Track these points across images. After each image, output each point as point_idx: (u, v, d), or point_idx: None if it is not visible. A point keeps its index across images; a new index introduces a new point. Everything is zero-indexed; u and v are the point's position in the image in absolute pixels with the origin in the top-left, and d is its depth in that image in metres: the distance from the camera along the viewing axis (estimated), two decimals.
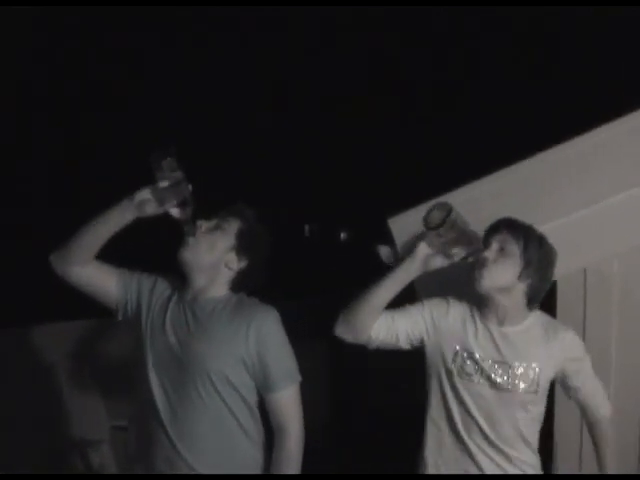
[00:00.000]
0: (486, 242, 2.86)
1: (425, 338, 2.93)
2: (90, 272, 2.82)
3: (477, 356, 2.87)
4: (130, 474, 2.89)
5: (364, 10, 4.74)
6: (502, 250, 2.84)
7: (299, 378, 2.83)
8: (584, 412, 3.03)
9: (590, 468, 3.19)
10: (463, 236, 2.79)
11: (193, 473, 2.75)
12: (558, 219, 3.21)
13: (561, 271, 3.23)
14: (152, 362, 2.77)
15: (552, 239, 3.15)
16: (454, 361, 2.89)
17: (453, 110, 4.60)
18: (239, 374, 2.76)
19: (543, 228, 3.18)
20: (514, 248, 2.84)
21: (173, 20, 5.06)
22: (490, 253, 2.83)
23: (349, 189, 4.59)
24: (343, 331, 2.91)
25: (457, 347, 2.90)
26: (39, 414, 4.11)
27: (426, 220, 2.77)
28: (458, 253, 2.82)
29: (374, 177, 4.58)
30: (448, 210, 2.74)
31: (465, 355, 2.87)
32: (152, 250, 3.33)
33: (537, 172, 3.30)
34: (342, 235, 3.28)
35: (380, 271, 2.95)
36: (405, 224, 3.27)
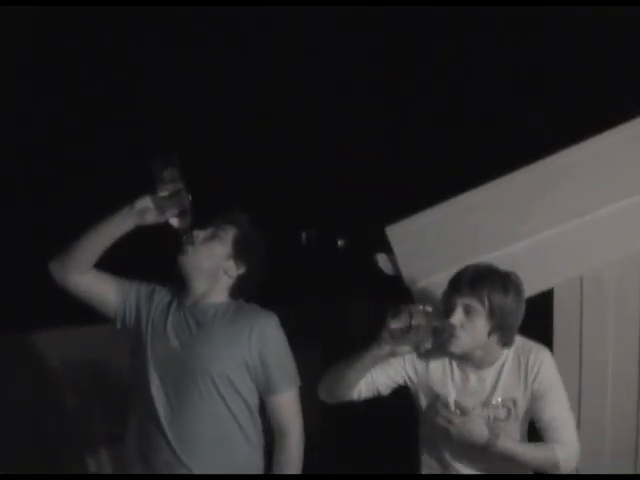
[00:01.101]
0: (449, 304, 2.77)
1: (410, 385, 2.95)
2: (89, 280, 2.82)
3: (459, 402, 2.85)
4: (130, 474, 2.91)
5: (365, 19, 4.74)
6: (467, 313, 2.75)
7: (299, 382, 2.86)
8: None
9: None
10: (426, 330, 2.69)
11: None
12: (555, 228, 3.23)
13: (558, 279, 3.27)
14: (153, 367, 2.78)
15: (549, 248, 3.19)
16: (437, 405, 2.87)
17: (449, 121, 4.61)
18: (241, 377, 2.78)
19: (539, 237, 3.21)
20: (479, 308, 2.74)
21: (175, 25, 5.06)
22: (456, 319, 2.74)
23: (347, 197, 4.59)
24: (325, 398, 2.97)
25: (439, 394, 2.88)
26: (36, 419, 4.13)
27: (389, 330, 2.67)
28: (423, 343, 2.77)
29: (372, 185, 4.58)
30: (409, 316, 2.63)
31: (447, 401, 2.86)
32: (149, 258, 3.34)
33: (533, 181, 3.30)
34: (339, 242, 3.29)
35: (377, 279, 2.97)
36: (402, 232, 3.29)
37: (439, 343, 2.78)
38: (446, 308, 2.77)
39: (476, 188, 3.33)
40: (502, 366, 2.84)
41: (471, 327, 2.74)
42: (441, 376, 2.89)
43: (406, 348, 2.78)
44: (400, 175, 4.51)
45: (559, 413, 2.81)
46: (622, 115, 3.28)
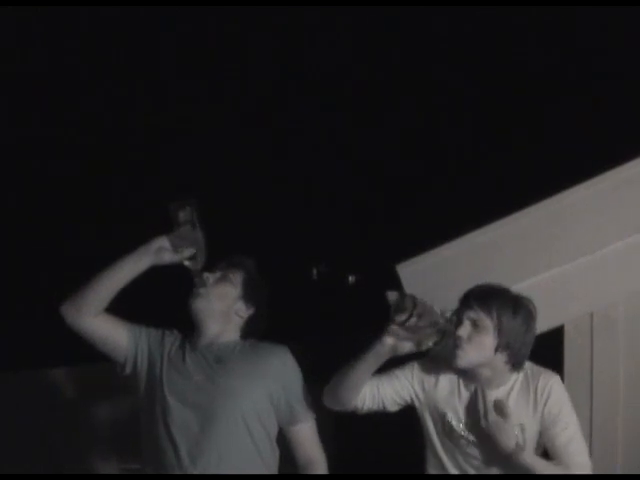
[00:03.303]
0: (458, 319, 2.80)
1: (416, 403, 2.94)
2: (101, 323, 2.86)
3: (464, 421, 2.86)
4: (130, 474, 2.95)
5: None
6: (475, 327, 2.77)
7: (314, 412, 2.96)
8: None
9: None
10: (429, 325, 2.70)
11: None
12: (564, 265, 3.25)
13: (568, 316, 3.28)
14: (173, 402, 2.82)
15: (558, 285, 3.21)
16: (443, 426, 2.89)
17: (460, 159, 4.63)
18: (267, 408, 2.88)
19: (549, 274, 3.23)
20: (487, 323, 2.77)
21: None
22: (463, 331, 2.77)
23: (359, 233, 4.61)
24: (329, 403, 2.95)
25: (445, 413, 2.89)
26: (51, 454, 4.17)
27: (391, 314, 2.70)
28: (426, 341, 2.75)
29: (384, 222, 4.61)
30: (412, 304, 2.66)
31: (453, 421, 2.87)
32: (154, 302, 3.37)
33: (543, 218, 3.32)
34: (350, 278, 3.31)
35: (387, 317, 2.97)
36: (414, 270, 3.31)
37: (442, 351, 2.79)
38: (455, 322, 2.79)
39: (486, 226, 3.35)
40: (511, 389, 2.85)
41: (478, 341, 2.76)
42: (448, 394, 2.89)
43: (408, 345, 2.75)
44: (413, 212, 4.53)
45: (573, 437, 2.82)
46: (628, 154, 3.29)
